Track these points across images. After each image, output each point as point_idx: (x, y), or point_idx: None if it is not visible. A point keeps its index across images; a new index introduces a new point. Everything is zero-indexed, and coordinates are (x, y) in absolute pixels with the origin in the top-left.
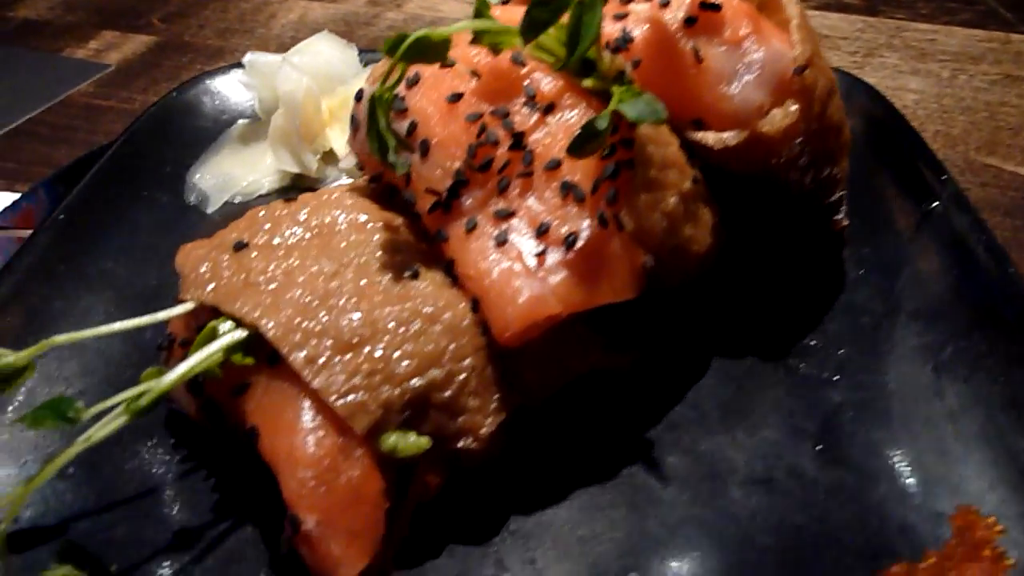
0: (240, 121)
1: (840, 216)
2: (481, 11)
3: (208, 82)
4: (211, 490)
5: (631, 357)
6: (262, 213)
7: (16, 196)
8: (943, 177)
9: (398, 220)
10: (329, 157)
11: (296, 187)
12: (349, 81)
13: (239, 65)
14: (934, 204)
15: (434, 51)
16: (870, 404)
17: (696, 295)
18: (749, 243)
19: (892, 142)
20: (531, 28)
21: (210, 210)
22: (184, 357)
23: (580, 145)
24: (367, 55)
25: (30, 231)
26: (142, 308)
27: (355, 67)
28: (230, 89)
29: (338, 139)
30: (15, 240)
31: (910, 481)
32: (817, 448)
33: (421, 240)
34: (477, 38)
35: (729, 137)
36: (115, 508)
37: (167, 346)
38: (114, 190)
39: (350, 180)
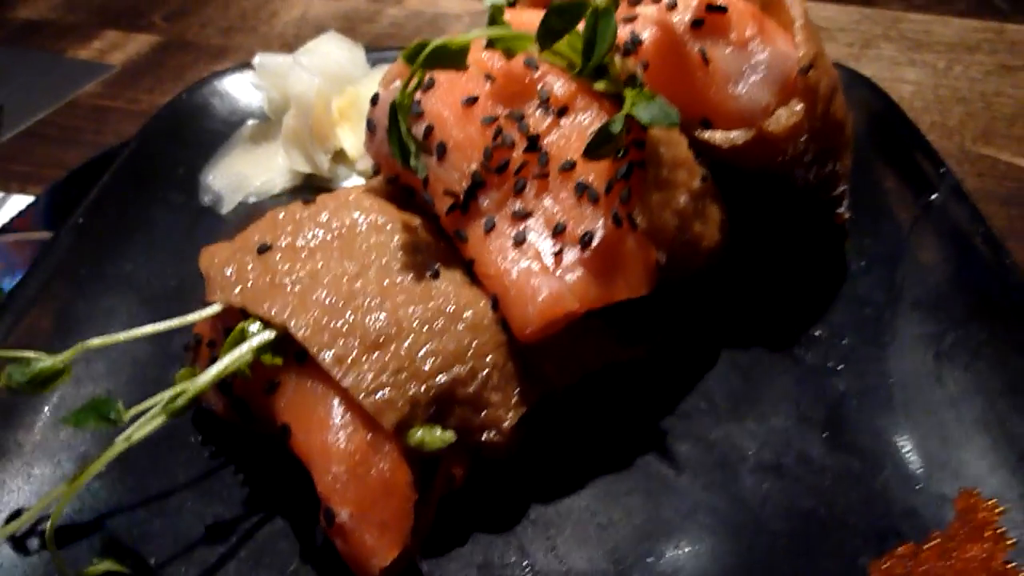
0: (250, 122)
1: (842, 209)
2: (495, 17)
3: (216, 83)
4: (241, 484)
5: (644, 349)
6: (282, 215)
7: (31, 199)
8: (941, 169)
9: (416, 221)
10: (340, 156)
11: (308, 186)
12: (357, 81)
13: (247, 65)
14: (933, 196)
15: (452, 58)
16: (874, 392)
17: (705, 288)
18: (755, 237)
19: (891, 135)
20: (547, 36)
21: (224, 211)
22: (211, 357)
23: (595, 148)
24: (373, 54)
25: (48, 233)
26: (163, 308)
27: (362, 67)
28: (238, 89)
29: (348, 138)
30: (35, 242)
31: (914, 466)
32: (824, 435)
33: (440, 240)
34: (491, 43)
35: (736, 136)
36: (150, 504)
37: (194, 347)
38: (130, 192)
39: (362, 179)
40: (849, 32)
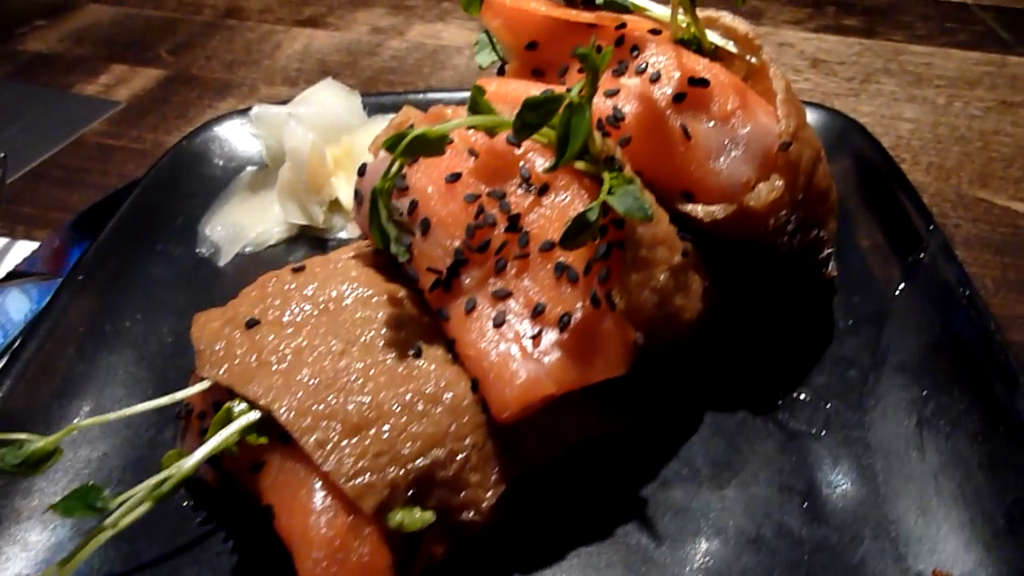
0: (248, 168)
1: (829, 268)
2: (477, 99)
3: (216, 128)
4: (231, 552)
5: (624, 420)
6: (271, 285)
7: (35, 245)
8: (931, 226)
9: (402, 292)
10: (335, 206)
11: (304, 236)
12: (353, 130)
13: (245, 111)
14: (921, 254)
15: (432, 147)
16: (855, 460)
17: (688, 351)
18: (740, 298)
19: (883, 187)
20: (523, 129)
21: (222, 263)
22: (200, 428)
23: (571, 237)
24: (371, 99)
25: (55, 277)
26: (160, 366)
27: (359, 115)
28: (237, 136)
29: (343, 188)
30: (41, 286)
31: (892, 539)
32: (804, 505)
33: (424, 313)
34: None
35: (717, 210)
36: (144, 570)
37: (184, 416)
38: (129, 246)
39: (357, 229)
40: (849, 66)
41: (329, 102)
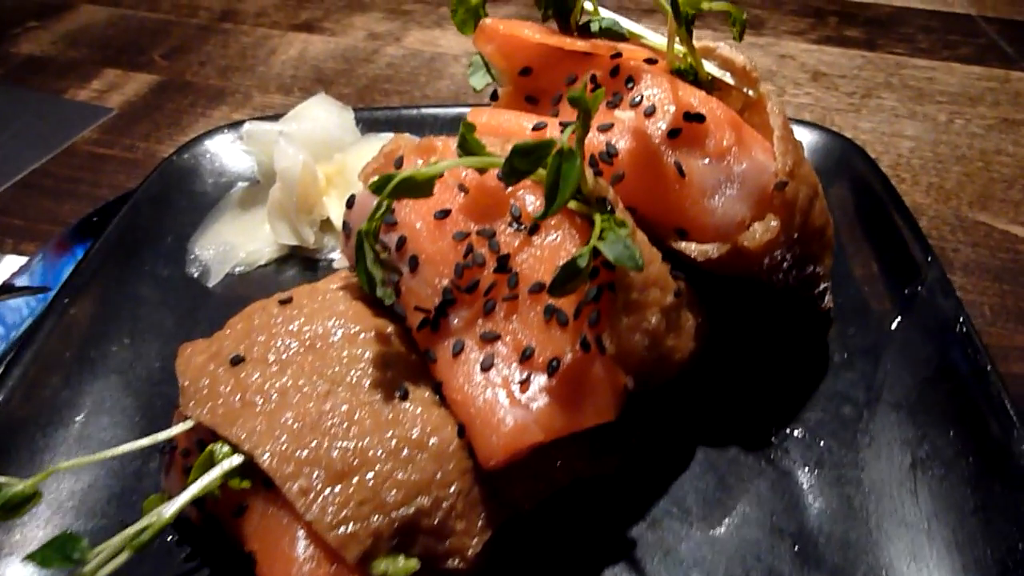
0: (240, 184)
1: (825, 301)
2: (466, 136)
3: (207, 143)
4: None
5: (616, 460)
6: (258, 317)
7: (23, 260)
8: (929, 257)
9: (390, 327)
10: (326, 225)
11: (295, 255)
12: (346, 148)
13: (238, 124)
14: (918, 287)
15: (419, 189)
16: (848, 501)
17: (680, 387)
18: (735, 331)
19: (882, 214)
20: (511, 175)
21: (211, 283)
22: (184, 467)
23: (560, 284)
24: (364, 113)
25: (45, 292)
26: (147, 392)
27: (352, 132)
28: (228, 151)
29: (335, 208)
30: (30, 300)
31: None
32: (795, 548)
33: (411, 349)
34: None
35: (711, 249)
36: None
37: (168, 452)
38: (116, 267)
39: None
40: (850, 80)
41: (321, 118)
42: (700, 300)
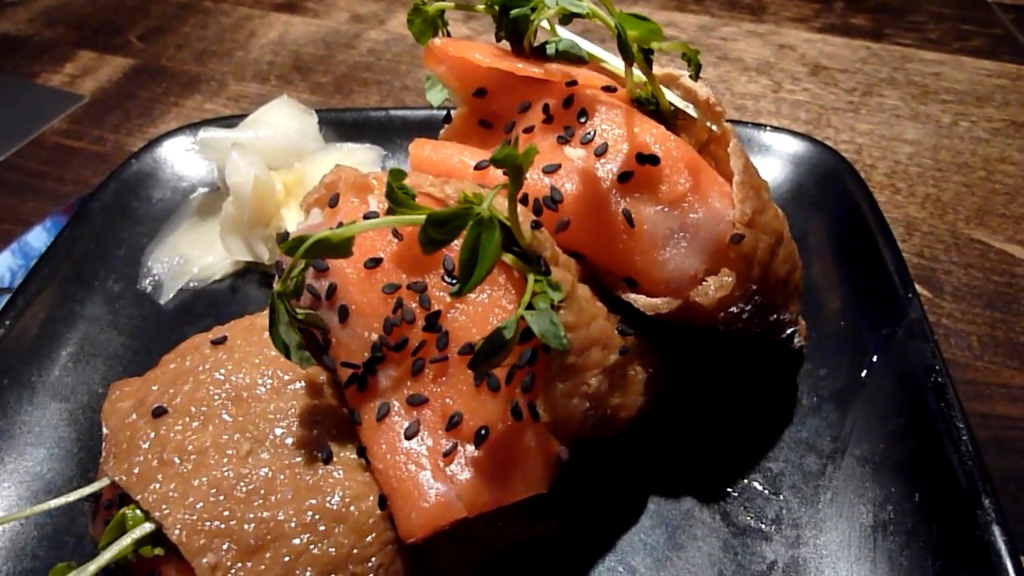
0: (200, 190)
1: (795, 343)
2: (393, 187)
3: (166, 144)
4: None
5: (554, 523)
6: (189, 360)
7: None
8: (909, 294)
9: (322, 376)
10: None
11: (250, 271)
12: (307, 156)
13: (199, 125)
14: (896, 328)
15: (336, 251)
16: (803, 566)
17: (632, 434)
18: (696, 371)
19: (867, 243)
20: (428, 245)
21: (163, 300)
22: (106, 518)
23: (484, 359)
24: (328, 115)
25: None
26: (88, 421)
27: (315, 139)
28: (188, 155)
29: (294, 220)
30: None
31: None
32: None
33: (341, 403)
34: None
35: (661, 304)
36: None
37: (93, 503)
38: (63, 283)
39: None
40: (852, 75)
41: (282, 124)
42: (656, 347)
